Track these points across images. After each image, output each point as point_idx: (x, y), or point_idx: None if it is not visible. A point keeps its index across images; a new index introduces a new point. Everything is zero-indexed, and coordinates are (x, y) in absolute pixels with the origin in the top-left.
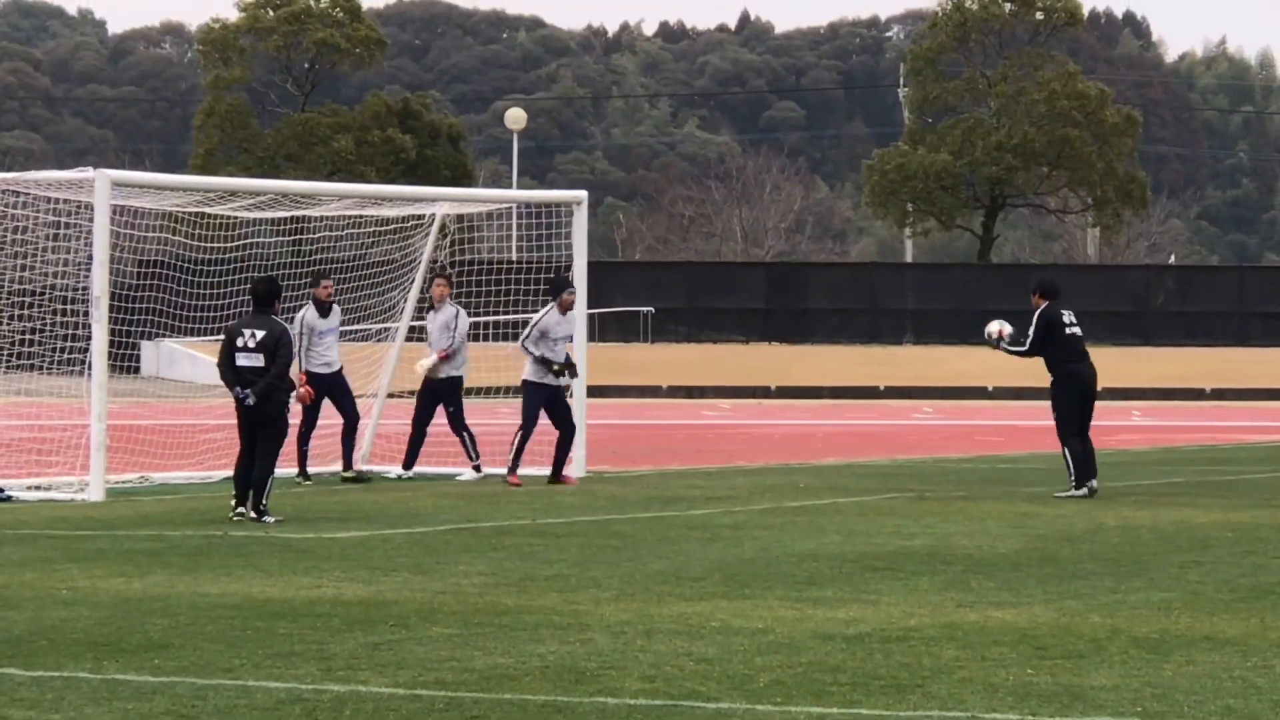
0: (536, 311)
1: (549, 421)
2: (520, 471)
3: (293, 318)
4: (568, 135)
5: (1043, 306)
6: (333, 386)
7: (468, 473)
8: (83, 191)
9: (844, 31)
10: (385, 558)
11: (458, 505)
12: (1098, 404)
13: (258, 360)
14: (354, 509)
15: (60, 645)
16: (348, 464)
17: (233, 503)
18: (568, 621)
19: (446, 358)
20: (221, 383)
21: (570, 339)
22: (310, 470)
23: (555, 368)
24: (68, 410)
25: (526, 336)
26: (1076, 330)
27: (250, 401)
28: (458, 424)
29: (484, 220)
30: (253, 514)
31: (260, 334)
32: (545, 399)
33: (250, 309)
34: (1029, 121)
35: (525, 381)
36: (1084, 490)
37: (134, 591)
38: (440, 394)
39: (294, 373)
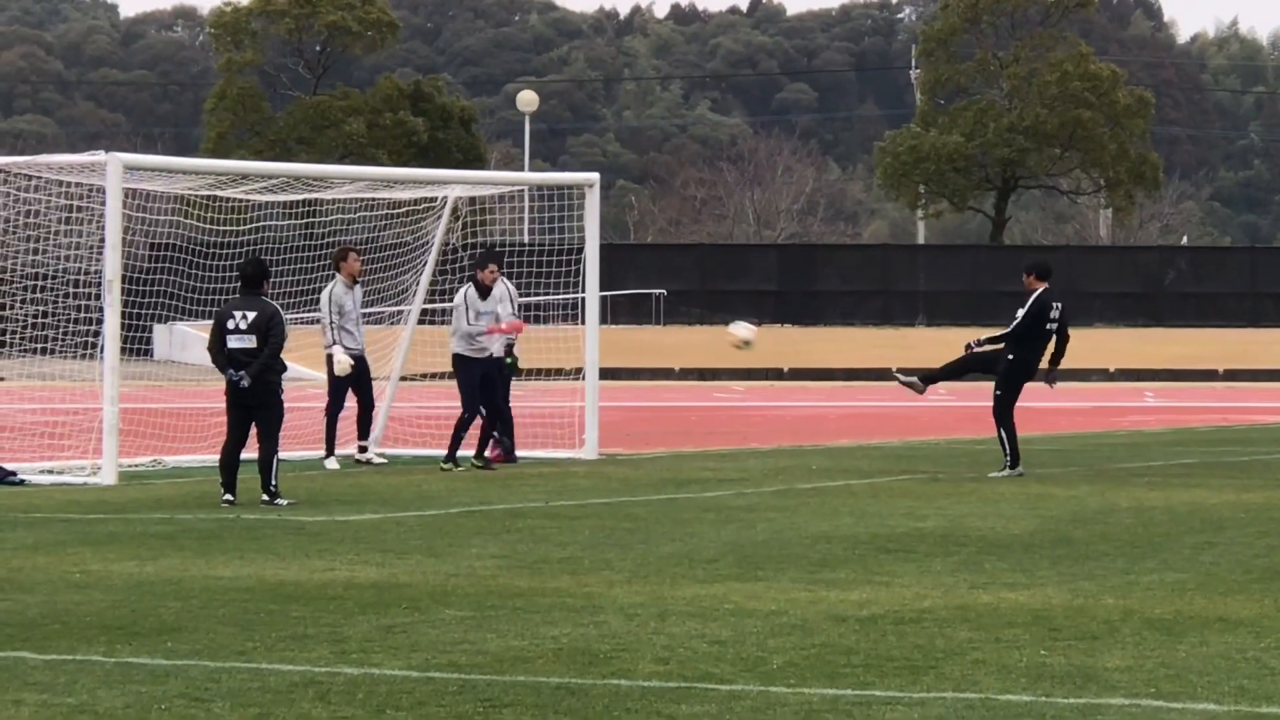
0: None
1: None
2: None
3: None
4: (579, 118)
5: (1038, 291)
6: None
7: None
8: (94, 175)
9: (855, 13)
10: (398, 540)
11: (470, 488)
12: (1110, 384)
13: (249, 342)
14: (366, 492)
15: (73, 628)
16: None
17: (221, 490)
18: (581, 604)
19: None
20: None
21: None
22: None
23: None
24: (80, 394)
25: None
26: (1052, 328)
27: (245, 383)
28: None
29: (496, 203)
30: (264, 497)
31: (251, 315)
32: None
33: (239, 291)
34: (1041, 103)
35: None
36: (1020, 472)
37: (147, 575)
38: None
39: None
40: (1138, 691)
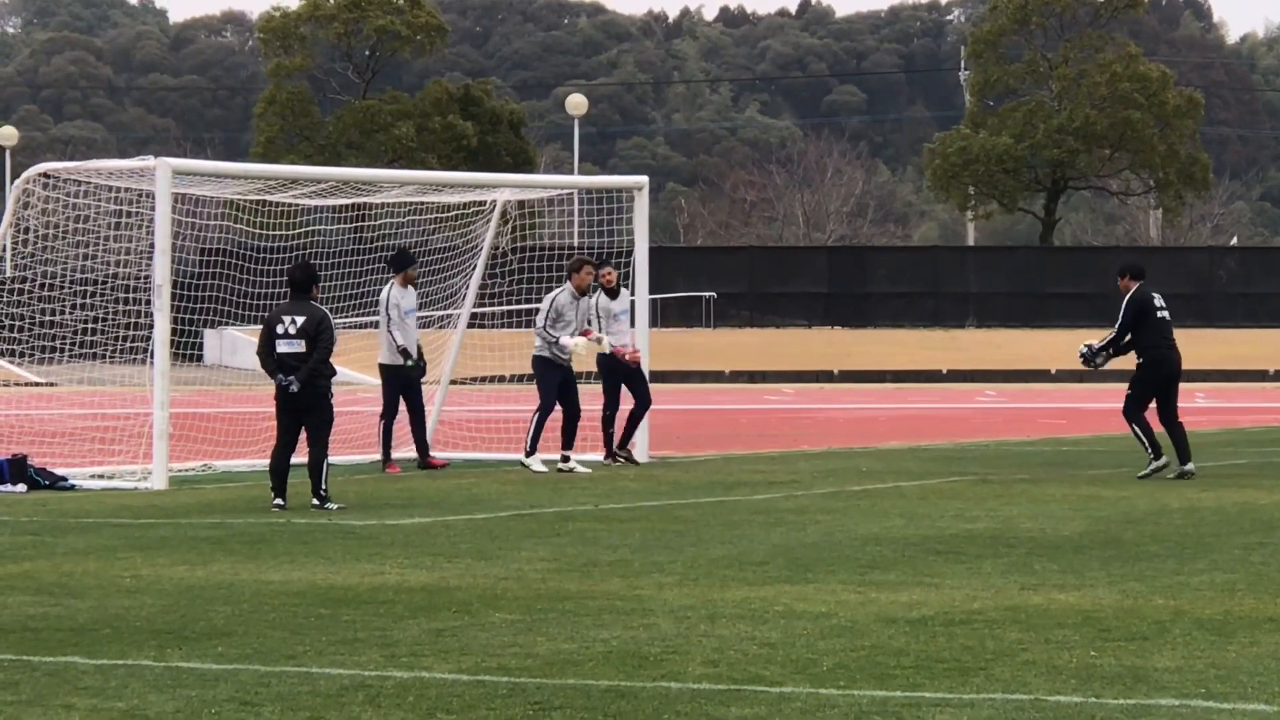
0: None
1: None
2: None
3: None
4: (629, 121)
5: (1133, 289)
6: (627, 370)
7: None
8: (144, 180)
9: (905, 15)
10: (448, 544)
11: (520, 491)
12: None
13: (298, 346)
14: (416, 496)
15: (123, 633)
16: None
17: (271, 494)
18: (631, 606)
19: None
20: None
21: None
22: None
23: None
24: (130, 399)
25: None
26: (1166, 315)
27: (294, 388)
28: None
29: (545, 206)
30: (314, 501)
31: (300, 320)
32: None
33: (289, 295)
34: (1090, 104)
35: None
36: (1164, 460)
37: (197, 579)
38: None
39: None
40: (1188, 692)
